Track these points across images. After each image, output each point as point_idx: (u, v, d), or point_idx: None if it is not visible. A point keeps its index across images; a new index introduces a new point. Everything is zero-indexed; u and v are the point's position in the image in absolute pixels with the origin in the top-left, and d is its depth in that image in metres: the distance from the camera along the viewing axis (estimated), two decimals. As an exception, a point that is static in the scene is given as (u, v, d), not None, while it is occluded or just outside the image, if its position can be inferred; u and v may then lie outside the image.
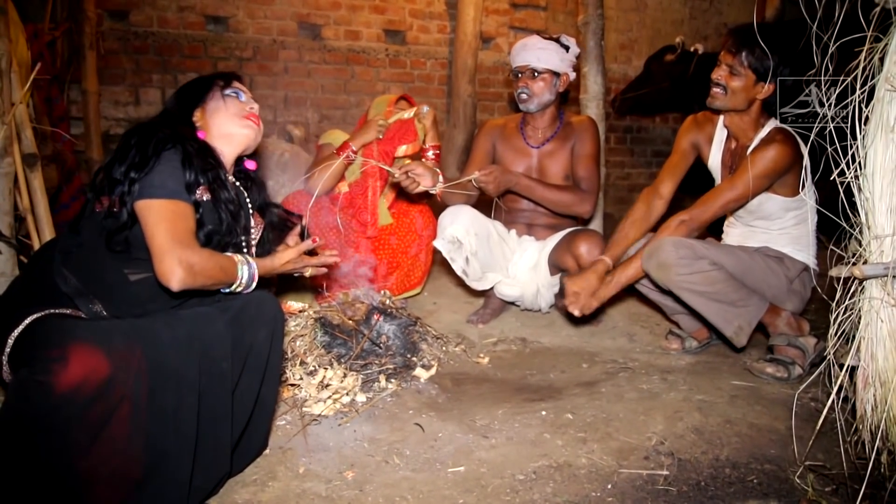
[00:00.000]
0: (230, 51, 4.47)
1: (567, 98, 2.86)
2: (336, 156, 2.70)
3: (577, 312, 2.24)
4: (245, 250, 1.67)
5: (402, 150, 2.83)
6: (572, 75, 2.74)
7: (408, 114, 2.80)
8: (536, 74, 2.65)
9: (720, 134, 2.35)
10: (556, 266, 2.64)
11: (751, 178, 2.08)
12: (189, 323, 1.31)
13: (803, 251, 2.25)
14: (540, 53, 2.64)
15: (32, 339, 1.30)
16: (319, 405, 1.86)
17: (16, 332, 1.32)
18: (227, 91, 1.70)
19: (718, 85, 2.17)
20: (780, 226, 2.27)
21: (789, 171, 2.12)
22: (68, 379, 1.14)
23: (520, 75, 2.69)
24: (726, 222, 2.50)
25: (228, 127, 1.67)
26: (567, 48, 2.70)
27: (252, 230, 1.74)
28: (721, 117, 2.33)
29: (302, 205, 2.64)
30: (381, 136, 2.74)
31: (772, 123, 2.21)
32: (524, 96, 2.67)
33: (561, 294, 2.37)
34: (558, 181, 2.72)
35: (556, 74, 2.68)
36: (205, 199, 1.52)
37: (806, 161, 2.15)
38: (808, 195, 2.19)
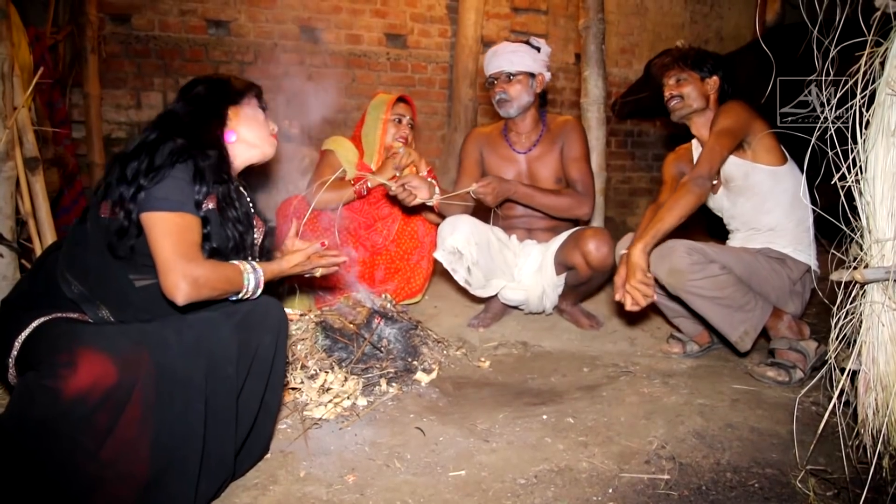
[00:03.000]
0: (231, 54, 4.48)
1: (546, 100, 2.87)
2: (348, 183, 2.71)
3: (632, 306, 2.10)
4: (248, 255, 1.67)
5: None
6: (548, 76, 2.75)
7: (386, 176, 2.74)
8: (511, 77, 2.66)
9: (696, 151, 2.44)
10: (562, 264, 2.64)
11: (719, 127, 2.19)
12: (196, 328, 1.31)
13: (804, 252, 2.25)
14: (511, 57, 2.65)
15: (40, 343, 1.30)
16: (320, 409, 1.86)
17: (23, 336, 1.32)
18: (263, 104, 1.75)
19: (673, 98, 2.36)
20: (774, 203, 2.26)
21: (754, 121, 2.21)
22: (77, 384, 1.14)
23: (495, 82, 2.69)
24: (729, 237, 2.49)
25: (258, 139, 1.70)
26: (538, 49, 2.71)
27: (255, 234, 1.73)
28: (694, 140, 2.46)
29: (300, 211, 2.65)
30: (398, 174, 2.70)
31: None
32: (503, 101, 2.68)
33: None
34: (550, 185, 2.72)
35: (532, 75, 2.68)
36: (210, 206, 1.51)
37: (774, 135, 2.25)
38: (794, 170, 2.23)
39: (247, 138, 1.68)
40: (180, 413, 1.24)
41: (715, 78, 2.34)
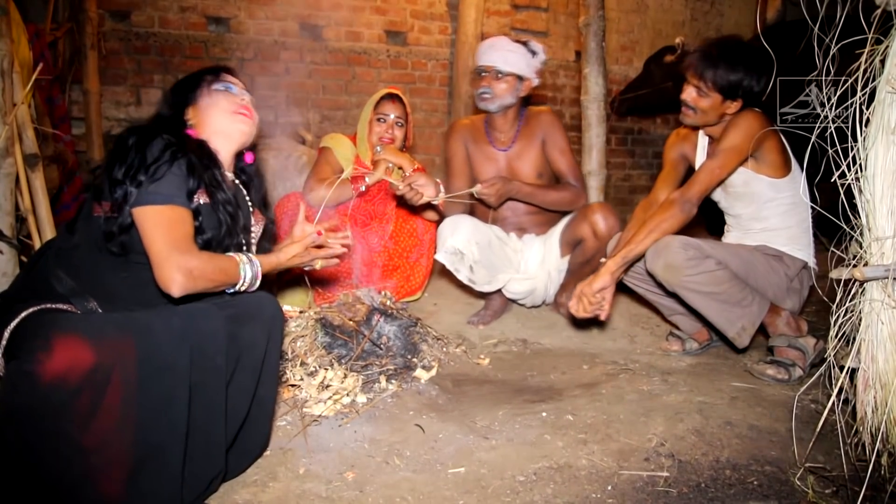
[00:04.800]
0: (231, 51, 4.47)
1: (529, 102, 2.86)
2: (346, 181, 2.69)
3: (579, 314, 2.17)
4: (245, 249, 1.66)
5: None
6: (536, 81, 2.73)
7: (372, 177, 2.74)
8: (500, 76, 2.64)
9: (703, 141, 2.40)
10: (569, 243, 2.65)
11: (728, 143, 2.13)
12: (183, 316, 1.31)
13: (802, 249, 2.25)
14: (507, 55, 2.63)
15: (24, 332, 1.31)
16: (320, 406, 1.86)
17: (11, 326, 1.32)
18: (217, 86, 1.67)
19: (688, 106, 2.23)
20: (772, 211, 2.26)
21: (765, 139, 2.15)
22: (53, 368, 1.15)
23: (484, 75, 2.67)
24: (725, 228, 2.49)
25: (222, 123, 1.65)
26: (534, 53, 2.70)
27: (253, 228, 1.73)
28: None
29: (297, 208, 2.64)
30: (388, 178, 2.66)
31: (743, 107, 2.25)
32: (486, 96, 2.66)
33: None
34: (532, 181, 2.73)
35: (520, 79, 2.67)
36: (202, 202, 1.51)
37: (788, 147, 2.18)
38: (798, 178, 2.19)
39: (212, 128, 1.65)
40: (163, 399, 1.24)
41: (738, 102, 2.17)
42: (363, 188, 2.72)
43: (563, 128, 2.79)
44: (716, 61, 2.13)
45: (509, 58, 2.63)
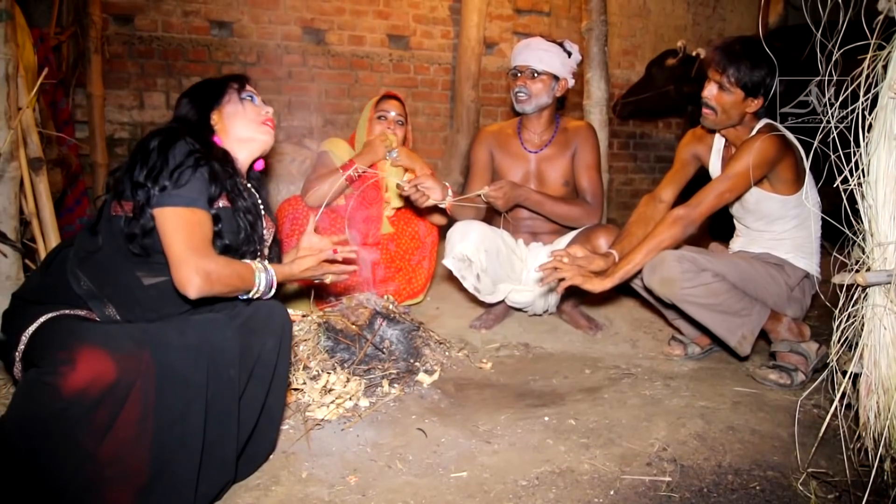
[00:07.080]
0: (234, 55, 4.48)
1: (564, 104, 2.85)
2: (338, 171, 2.68)
3: (555, 260, 2.11)
4: (258, 255, 1.68)
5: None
6: (571, 82, 2.73)
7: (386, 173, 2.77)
8: (536, 75, 2.64)
9: (718, 143, 2.38)
10: None
11: (740, 168, 2.09)
12: (199, 329, 1.31)
13: (805, 258, 2.25)
14: (542, 55, 2.64)
15: (43, 339, 1.31)
16: (323, 410, 1.86)
17: (30, 330, 1.33)
18: (244, 94, 1.72)
19: (709, 106, 2.19)
20: (782, 227, 2.26)
21: (779, 162, 2.12)
22: (75, 381, 1.15)
23: (519, 75, 2.68)
24: (735, 233, 2.49)
25: (247, 132, 1.69)
26: (569, 54, 2.70)
27: (265, 234, 1.74)
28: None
29: (298, 211, 2.65)
30: (387, 158, 2.69)
31: (762, 122, 2.21)
32: (522, 96, 2.66)
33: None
34: (557, 187, 2.73)
35: (556, 78, 2.68)
36: (222, 205, 1.53)
37: (805, 159, 2.14)
38: (811, 193, 2.18)
39: (236, 135, 1.68)
40: (180, 413, 1.25)
41: (759, 100, 2.14)
42: (356, 175, 2.66)
43: (598, 145, 2.78)
44: (740, 57, 2.09)
45: (544, 57, 2.64)
